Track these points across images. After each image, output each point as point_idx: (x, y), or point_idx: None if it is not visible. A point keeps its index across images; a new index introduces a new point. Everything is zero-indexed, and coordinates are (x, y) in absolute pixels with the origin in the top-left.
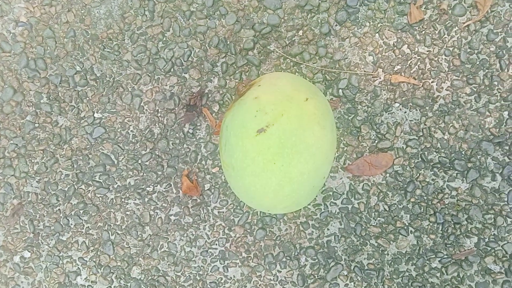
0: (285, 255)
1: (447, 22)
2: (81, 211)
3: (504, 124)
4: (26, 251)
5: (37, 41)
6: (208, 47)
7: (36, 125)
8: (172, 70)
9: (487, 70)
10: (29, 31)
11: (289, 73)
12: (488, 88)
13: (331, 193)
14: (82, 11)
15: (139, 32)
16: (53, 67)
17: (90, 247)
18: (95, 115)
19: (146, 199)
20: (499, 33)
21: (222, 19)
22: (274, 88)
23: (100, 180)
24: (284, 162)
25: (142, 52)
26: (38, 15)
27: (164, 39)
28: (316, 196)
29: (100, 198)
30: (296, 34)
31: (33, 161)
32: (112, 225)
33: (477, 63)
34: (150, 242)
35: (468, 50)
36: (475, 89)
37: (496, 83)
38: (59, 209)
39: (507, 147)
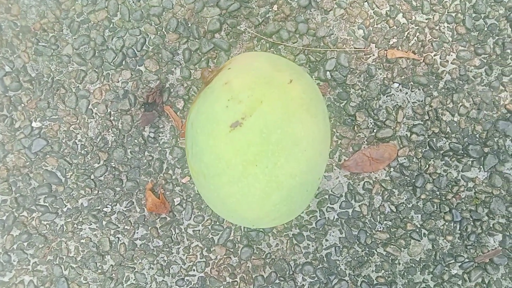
0: (278, 275)
1: None
2: (25, 244)
3: None
4: None
5: None
6: (165, 32)
7: None
8: (123, 62)
9: (497, 37)
10: None
11: (265, 52)
12: (500, 58)
13: (326, 196)
14: None
15: (80, 19)
16: None
17: (39, 287)
18: (33, 124)
19: (104, 222)
20: None
21: None
22: (248, 69)
23: (45, 204)
24: (269, 163)
25: (85, 44)
26: None
27: (111, 26)
28: (310, 202)
29: (48, 226)
30: (270, 9)
31: None
32: (64, 257)
33: (485, 29)
34: (113, 274)
35: (474, 15)
36: (485, 60)
37: (509, 51)
38: None
39: None
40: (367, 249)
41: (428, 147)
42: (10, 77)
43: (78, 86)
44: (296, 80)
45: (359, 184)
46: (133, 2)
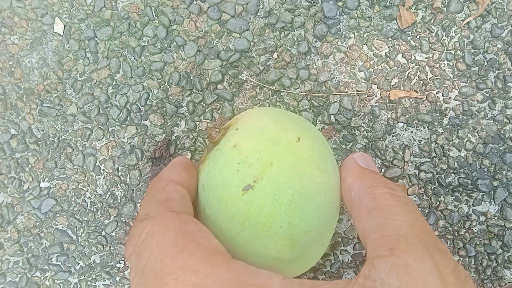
0: None
1: (443, 22)
2: None
3: None
4: None
5: None
6: (168, 86)
7: None
8: (128, 118)
9: (497, 71)
10: None
11: (270, 108)
12: (502, 91)
13: (339, 239)
14: (10, 63)
15: (83, 78)
16: None
17: None
18: (42, 184)
19: (118, 278)
20: (505, 27)
21: (180, 51)
22: (255, 131)
23: (57, 263)
24: (283, 224)
25: (90, 102)
26: None
27: (114, 83)
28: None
29: (61, 285)
30: (271, 57)
31: None
32: None
33: (485, 64)
34: None
35: (473, 50)
36: (487, 95)
37: (510, 84)
38: None
39: None
40: None
41: (437, 184)
42: (16, 139)
43: (85, 144)
44: (303, 138)
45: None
46: (134, 58)
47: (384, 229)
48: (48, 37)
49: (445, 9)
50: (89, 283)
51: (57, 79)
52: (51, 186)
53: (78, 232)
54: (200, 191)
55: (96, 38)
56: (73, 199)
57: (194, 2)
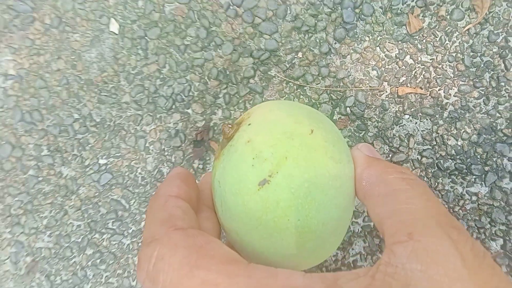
0: None
1: (447, 28)
2: (98, 261)
3: None
4: None
5: (30, 93)
6: (208, 80)
7: (40, 178)
8: (173, 107)
9: (492, 72)
10: (20, 83)
11: (282, 101)
12: (495, 90)
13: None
14: (73, 57)
15: (135, 72)
16: (50, 118)
17: None
18: (100, 161)
19: None
20: (500, 34)
21: (218, 49)
22: (268, 125)
23: (113, 227)
24: (300, 216)
25: (141, 92)
26: (27, 66)
27: (162, 76)
28: None
29: (116, 245)
30: (296, 56)
31: (41, 215)
32: (131, 271)
33: (482, 65)
34: None
35: (471, 53)
36: (482, 92)
37: (503, 83)
38: (74, 261)
39: None
40: None
41: (436, 168)
42: (78, 122)
43: (136, 128)
44: (317, 130)
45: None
46: (179, 55)
47: (399, 214)
48: (105, 35)
49: (448, 17)
50: (139, 244)
51: (113, 71)
52: (108, 162)
53: (130, 202)
54: (216, 187)
55: (146, 37)
56: (126, 174)
57: (231, 7)
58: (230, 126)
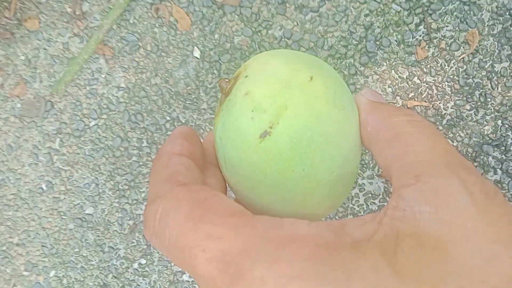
0: None
1: (446, 57)
2: None
3: (499, 130)
4: (142, 259)
5: (135, 100)
6: None
7: (141, 163)
8: None
9: (481, 90)
10: (128, 93)
11: (278, 50)
12: (483, 104)
13: (370, 195)
14: (166, 74)
15: (211, 86)
16: (148, 119)
17: None
18: None
19: None
20: (488, 61)
21: None
22: (265, 75)
23: None
24: (305, 166)
25: (215, 101)
26: (133, 81)
27: None
28: (359, 197)
29: None
30: None
31: (140, 190)
32: None
33: (473, 85)
34: None
35: (465, 76)
36: (473, 106)
37: (489, 99)
38: None
39: (503, 148)
40: None
41: None
42: (169, 123)
43: (211, 128)
44: (317, 76)
45: (391, 187)
46: None
47: (406, 157)
48: (189, 59)
49: (447, 48)
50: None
51: (195, 86)
52: None
53: None
54: (218, 143)
55: (220, 61)
56: None
57: (283, 39)
58: (227, 80)
